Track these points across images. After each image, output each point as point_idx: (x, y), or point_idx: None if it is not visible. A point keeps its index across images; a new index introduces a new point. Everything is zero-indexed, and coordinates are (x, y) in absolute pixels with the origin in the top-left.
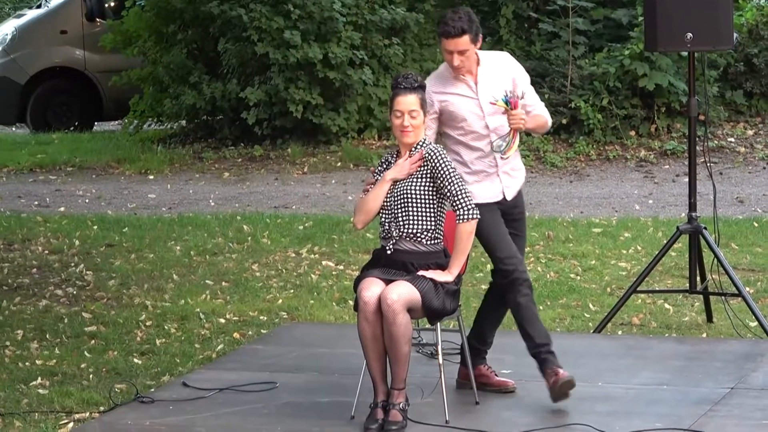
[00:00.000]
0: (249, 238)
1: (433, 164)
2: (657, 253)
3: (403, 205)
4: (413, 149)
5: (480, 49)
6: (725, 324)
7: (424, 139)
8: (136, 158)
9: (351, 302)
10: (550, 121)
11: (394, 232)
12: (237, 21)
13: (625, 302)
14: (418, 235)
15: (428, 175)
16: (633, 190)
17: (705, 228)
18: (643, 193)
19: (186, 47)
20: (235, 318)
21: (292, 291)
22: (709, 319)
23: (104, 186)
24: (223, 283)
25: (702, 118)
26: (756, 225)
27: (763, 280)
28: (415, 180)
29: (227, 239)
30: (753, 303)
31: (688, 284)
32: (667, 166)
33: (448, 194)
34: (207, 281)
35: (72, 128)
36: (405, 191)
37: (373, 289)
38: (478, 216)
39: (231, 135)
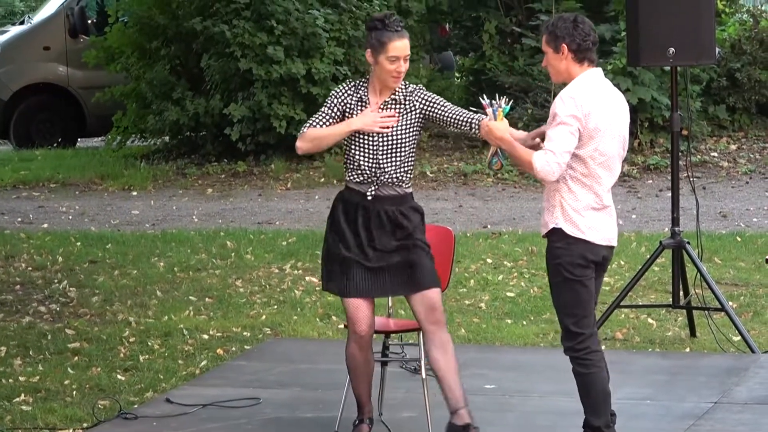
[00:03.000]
0: (232, 254)
1: (424, 105)
2: (640, 267)
3: (390, 150)
4: (390, 98)
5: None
6: (708, 339)
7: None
8: (119, 174)
9: (335, 318)
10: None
11: (380, 178)
12: (220, 37)
13: (609, 317)
14: (402, 179)
15: (416, 120)
16: (616, 205)
17: (688, 243)
18: (627, 208)
19: (169, 63)
20: (218, 334)
21: (275, 307)
22: (693, 333)
23: (87, 202)
24: (207, 299)
25: (685, 132)
26: (739, 239)
27: (746, 295)
28: (405, 127)
29: (211, 255)
30: (736, 317)
31: (671, 299)
32: (651, 181)
33: (454, 119)
34: (190, 297)
35: (55, 144)
36: (395, 138)
37: (367, 319)
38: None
39: (214, 151)
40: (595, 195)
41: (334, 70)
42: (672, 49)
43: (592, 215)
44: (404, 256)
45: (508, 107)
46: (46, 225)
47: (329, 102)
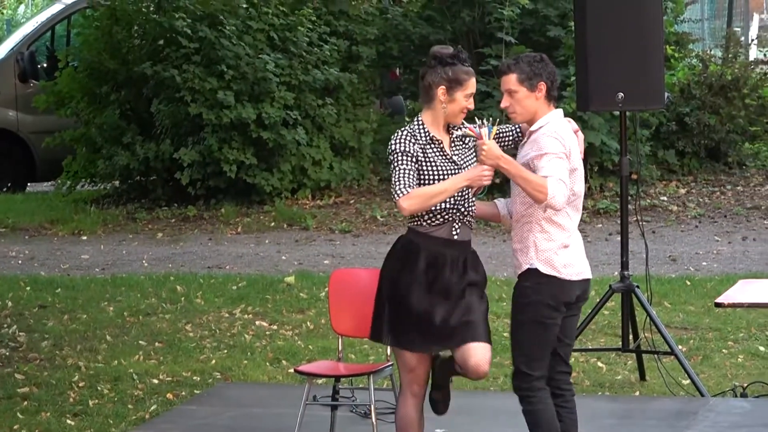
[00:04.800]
0: (182, 298)
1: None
2: (590, 311)
3: (468, 188)
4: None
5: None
6: (658, 382)
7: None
8: (69, 219)
9: (285, 362)
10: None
11: (463, 218)
12: (170, 82)
13: None
14: (473, 221)
15: None
16: None
17: (637, 286)
18: None
19: (119, 108)
20: (168, 378)
21: (225, 351)
22: (642, 377)
23: (37, 247)
24: (157, 344)
25: (634, 177)
26: (688, 283)
27: (695, 339)
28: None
29: (160, 299)
30: (685, 361)
31: (621, 342)
32: (600, 225)
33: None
34: (140, 342)
35: (5, 189)
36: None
37: (427, 376)
38: None
39: (164, 195)
40: (568, 233)
41: (284, 115)
42: (621, 94)
43: (565, 253)
44: (473, 306)
45: (493, 126)
46: None
47: (402, 157)
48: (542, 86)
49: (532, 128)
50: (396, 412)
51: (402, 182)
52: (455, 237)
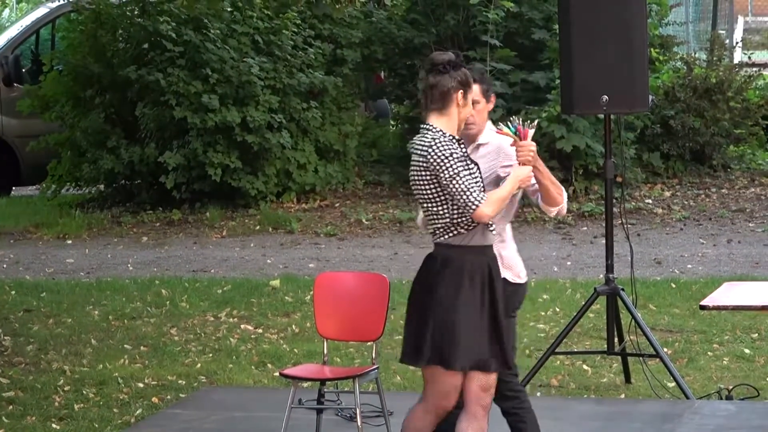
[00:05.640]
0: (167, 302)
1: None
2: (575, 314)
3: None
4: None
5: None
6: (643, 385)
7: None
8: (54, 223)
9: (270, 366)
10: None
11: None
12: (155, 85)
13: (544, 364)
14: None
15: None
16: (551, 252)
17: (622, 289)
18: (562, 255)
19: (104, 112)
20: (153, 382)
21: (210, 355)
22: (627, 380)
23: (22, 251)
24: (142, 348)
25: (619, 179)
26: (674, 286)
27: (680, 341)
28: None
29: (145, 303)
30: (670, 364)
31: (606, 345)
32: (585, 228)
33: None
34: (125, 346)
35: None
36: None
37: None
38: None
39: (149, 199)
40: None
41: (269, 118)
42: (605, 97)
43: (518, 257)
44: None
45: (514, 126)
46: None
47: (460, 162)
48: (493, 98)
49: (483, 140)
50: (411, 422)
51: (475, 189)
52: (487, 242)
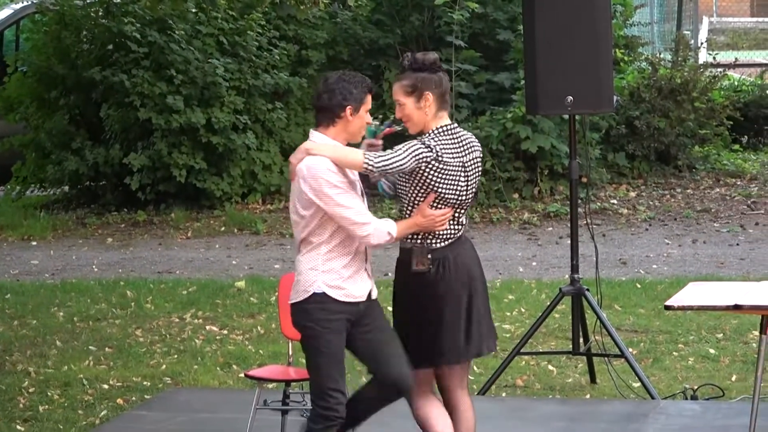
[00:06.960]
0: (132, 303)
1: None
2: (540, 314)
3: None
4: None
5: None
6: (609, 385)
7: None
8: (18, 224)
9: (235, 367)
10: None
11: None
12: (119, 86)
13: (509, 364)
14: None
15: None
16: (517, 252)
17: (587, 289)
18: (527, 255)
19: (68, 113)
20: (118, 384)
21: (175, 356)
22: (593, 380)
23: None
24: (107, 349)
25: (584, 180)
26: (639, 286)
27: (645, 341)
28: None
29: (110, 305)
30: (636, 364)
31: (571, 346)
32: (551, 228)
33: None
34: (90, 347)
35: None
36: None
37: None
38: None
39: (114, 200)
40: None
41: (234, 119)
42: (570, 98)
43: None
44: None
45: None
46: None
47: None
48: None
49: None
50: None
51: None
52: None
